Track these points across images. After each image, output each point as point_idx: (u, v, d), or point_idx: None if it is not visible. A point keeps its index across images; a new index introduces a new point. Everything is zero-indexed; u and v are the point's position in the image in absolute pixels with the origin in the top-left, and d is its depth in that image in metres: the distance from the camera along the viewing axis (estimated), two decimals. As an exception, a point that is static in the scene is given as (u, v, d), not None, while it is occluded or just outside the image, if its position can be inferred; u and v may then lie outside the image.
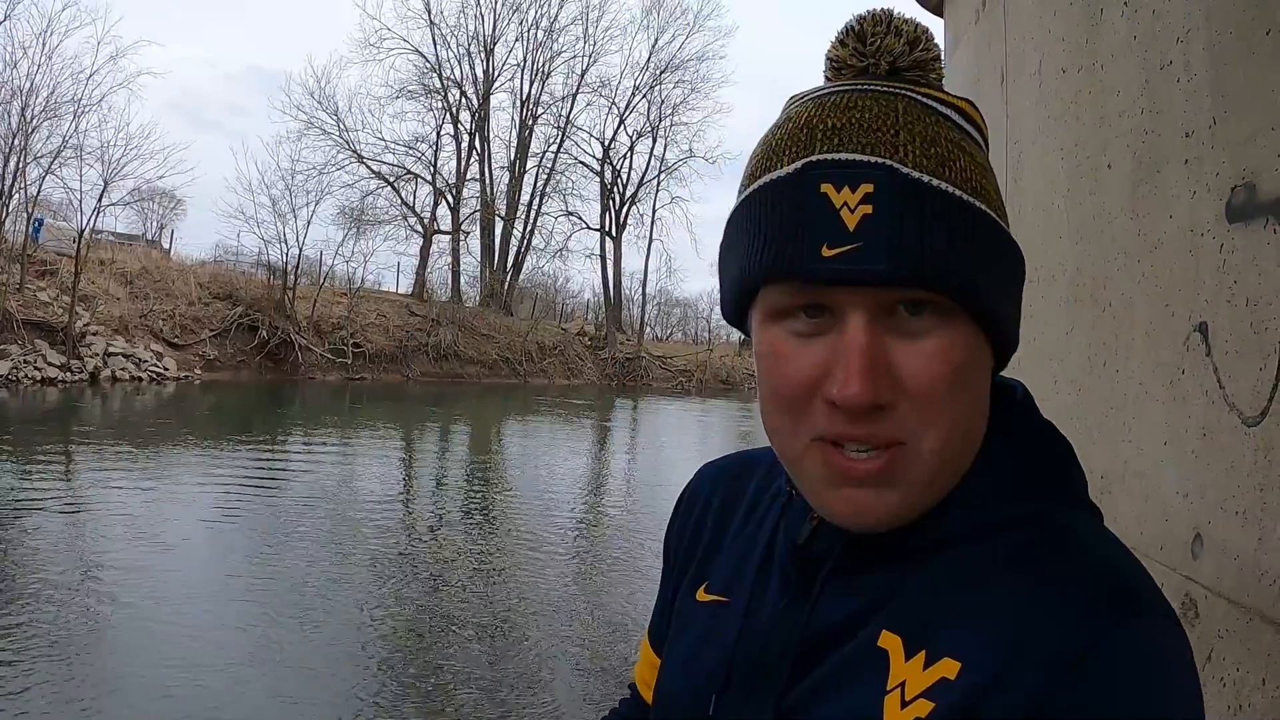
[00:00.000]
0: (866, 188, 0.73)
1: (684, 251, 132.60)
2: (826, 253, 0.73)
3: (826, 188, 0.74)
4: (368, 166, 44.83)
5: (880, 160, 0.74)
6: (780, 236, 0.77)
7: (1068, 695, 0.67)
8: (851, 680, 0.79)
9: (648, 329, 56.42)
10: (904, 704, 0.74)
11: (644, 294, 54.46)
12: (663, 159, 53.62)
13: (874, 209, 0.73)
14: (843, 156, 0.75)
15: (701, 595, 1.03)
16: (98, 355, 26.64)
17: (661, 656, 1.11)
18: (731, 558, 1.01)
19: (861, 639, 0.80)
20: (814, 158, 0.76)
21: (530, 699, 7.10)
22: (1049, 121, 2.35)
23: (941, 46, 3.70)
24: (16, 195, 29.12)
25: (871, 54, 0.82)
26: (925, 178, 0.74)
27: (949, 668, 0.73)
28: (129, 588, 8.86)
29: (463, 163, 48.38)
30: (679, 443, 24.48)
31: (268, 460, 17.13)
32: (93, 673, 7.00)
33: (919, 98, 0.80)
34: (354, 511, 13.47)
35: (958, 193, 0.75)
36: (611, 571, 11.01)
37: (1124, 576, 0.75)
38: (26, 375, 24.16)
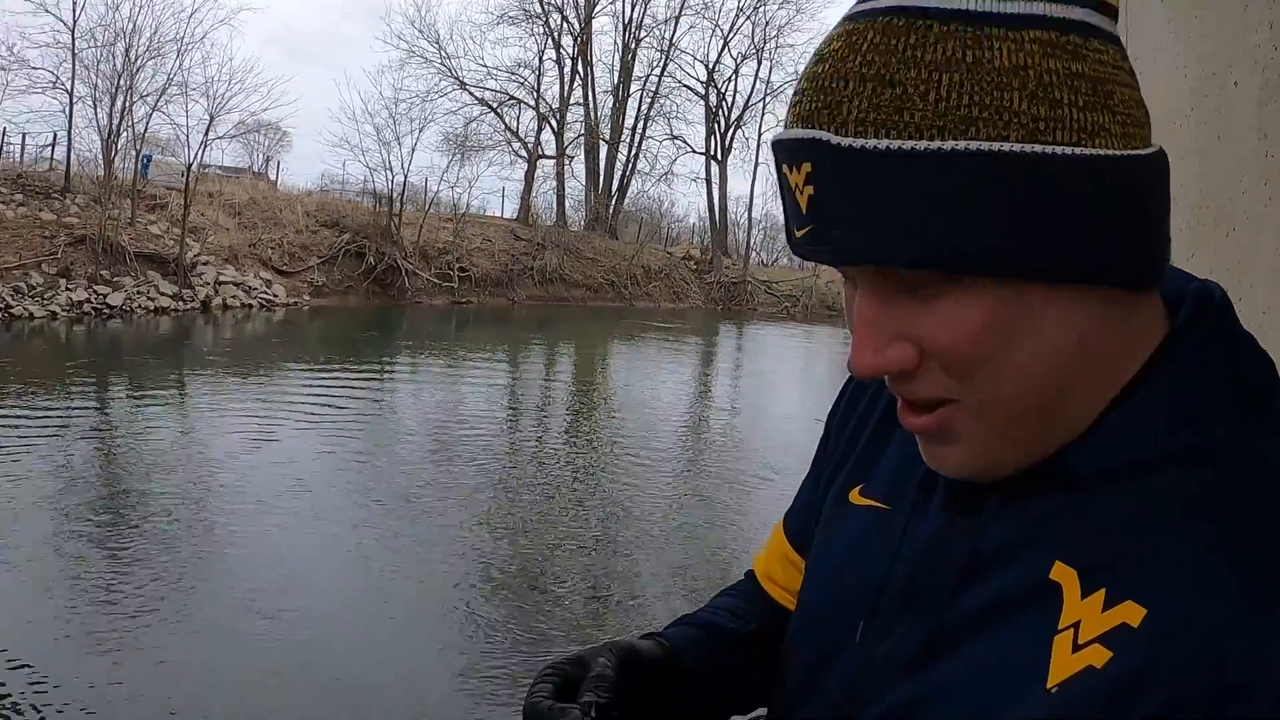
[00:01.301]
0: (806, 167, 0.68)
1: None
2: (796, 234, 0.71)
3: (785, 169, 0.71)
4: (470, 93, 44.64)
5: (812, 135, 0.66)
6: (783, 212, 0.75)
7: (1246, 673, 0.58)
8: (1017, 613, 0.70)
9: (753, 254, 55.72)
10: (1076, 647, 0.65)
11: (750, 218, 53.80)
12: (768, 82, 51.95)
13: (814, 190, 0.68)
14: (787, 136, 0.69)
15: (857, 497, 0.93)
16: (208, 284, 27.09)
17: (805, 557, 1.03)
18: (896, 461, 0.89)
19: (1031, 568, 0.70)
20: (777, 136, 0.72)
21: (627, 620, 7.09)
22: (1172, 38, 2.20)
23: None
24: (125, 133, 29.50)
25: None
26: (861, 142, 0.64)
27: (1132, 613, 0.64)
28: (237, 504, 9.09)
29: (565, 87, 47.73)
30: (782, 370, 24.31)
31: (375, 381, 17.37)
32: (201, 583, 7.23)
33: (912, 3, 0.65)
34: (460, 430, 13.63)
35: (911, 145, 0.63)
36: (712, 496, 10.93)
37: None
38: (140, 305, 24.61)
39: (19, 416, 12.11)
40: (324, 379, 16.77)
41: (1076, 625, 0.66)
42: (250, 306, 27.73)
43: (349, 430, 12.81)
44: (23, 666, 5.72)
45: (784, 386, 21.05)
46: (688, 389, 20.18)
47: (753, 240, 55.94)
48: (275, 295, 28.79)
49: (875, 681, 0.81)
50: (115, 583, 7.07)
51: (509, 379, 19.78)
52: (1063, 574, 0.68)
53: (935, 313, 0.68)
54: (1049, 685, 0.65)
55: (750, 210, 53.08)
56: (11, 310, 21.32)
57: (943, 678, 0.74)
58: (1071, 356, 0.69)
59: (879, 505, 0.90)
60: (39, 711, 5.31)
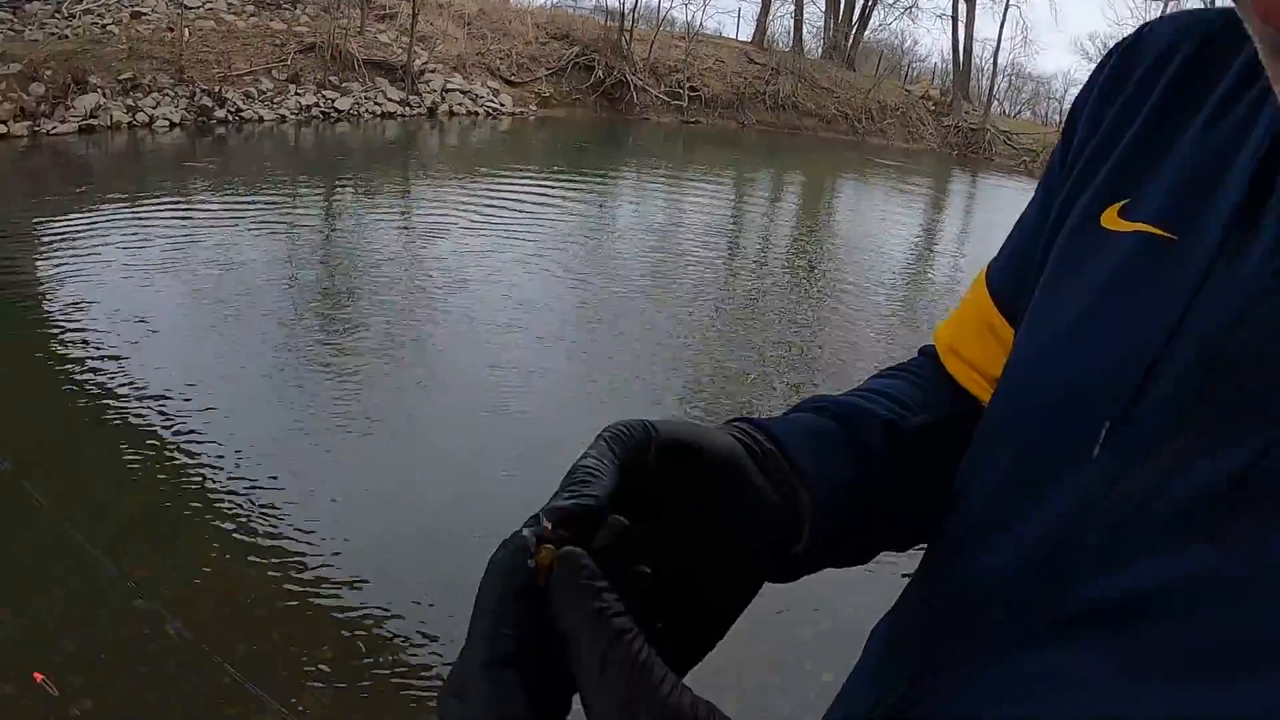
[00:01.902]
0: None
1: (1042, 23, 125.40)
2: None
3: None
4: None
5: None
6: None
7: None
8: None
9: (995, 102, 52.97)
10: None
11: (995, 64, 50.52)
12: (1027, -86, 49.08)
13: None
14: None
15: (1115, 220, 0.64)
16: (435, 91, 27.07)
17: (1015, 325, 0.73)
18: (1183, 172, 0.61)
19: None
20: None
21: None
22: None
23: None
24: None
25: None
26: None
27: None
28: (449, 299, 9.31)
29: (810, -93, 45.65)
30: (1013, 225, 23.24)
31: (598, 191, 17.24)
32: (414, 367, 7.62)
33: None
34: (678, 244, 13.49)
35: None
36: (927, 332, 10.47)
37: None
38: (367, 110, 24.81)
39: (248, 209, 12.49)
40: (544, 186, 16.65)
41: None
42: (476, 114, 27.63)
43: (563, 235, 12.81)
44: (248, 454, 5.91)
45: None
46: (912, 232, 19.43)
47: (996, 88, 53.12)
48: (501, 104, 28.59)
49: (1125, 531, 0.51)
50: (333, 364, 7.44)
51: (730, 200, 19.28)
52: None
53: None
54: None
55: (996, 56, 50.02)
56: (242, 114, 21.73)
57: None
58: None
59: (1157, 231, 0.60)
60: (267, 489, 5.51)
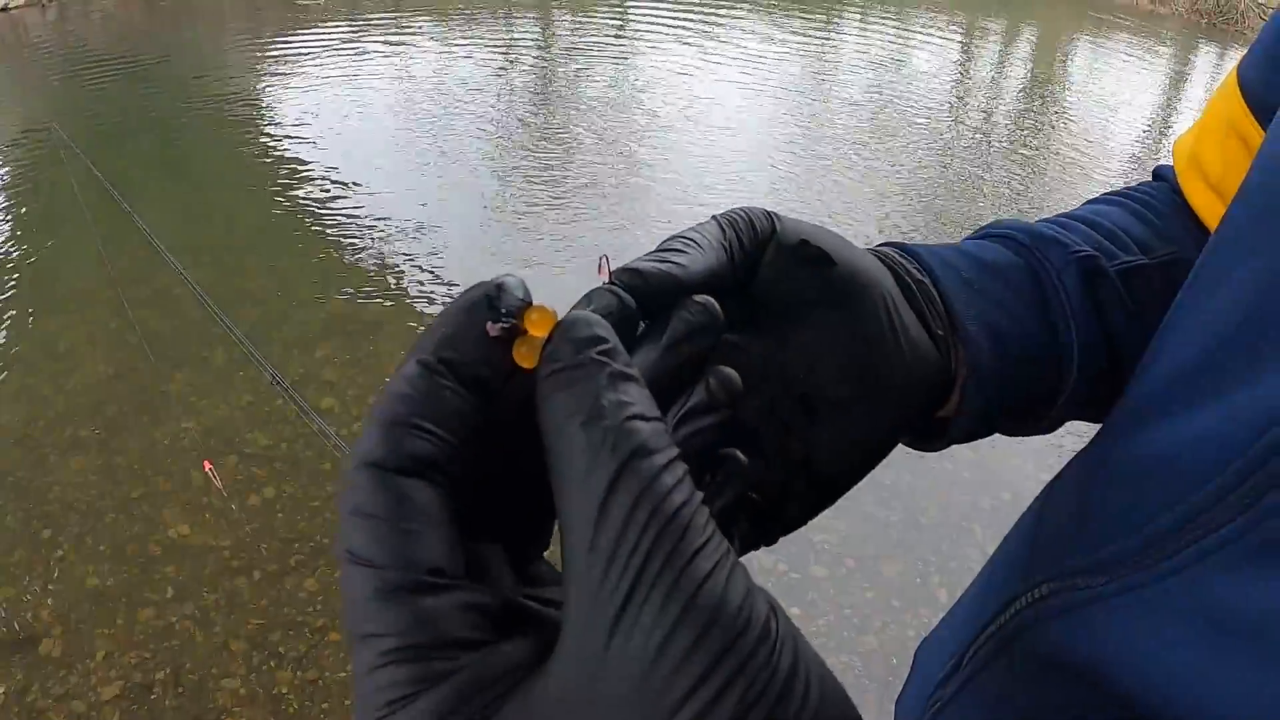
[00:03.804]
0: None
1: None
2: None
3: None
4: None
5: None
6: None
7: None
8: None
9: (1257, -32, 49.44)
10: None
11: (1263, -77, 47.33)
12: None
13: None
14: None
15: None
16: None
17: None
18: None
19: None
20: None
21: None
22: None
23: None
24: None
25: None
26: None
27: None
28: (660, 137, 9.22)
29: None
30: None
31: (822, 32, 16.69)
32: (623, 186, 7.79)
33: None
34: (903, 88, 12.99)
35: None
36: None
37: None
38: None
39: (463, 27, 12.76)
40: (773, 23, 16.24)
41: None
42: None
43: (782, 72, 12.58)
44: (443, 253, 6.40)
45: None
46: (1147, 107, 18.16)
47: (1260, -48, 49.40)
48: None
49: None
50: (539, 192, 7.58)
51: (958, 50, 18.26)
52: None
53: None
54: None
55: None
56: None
57: None
58: None
59: None
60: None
